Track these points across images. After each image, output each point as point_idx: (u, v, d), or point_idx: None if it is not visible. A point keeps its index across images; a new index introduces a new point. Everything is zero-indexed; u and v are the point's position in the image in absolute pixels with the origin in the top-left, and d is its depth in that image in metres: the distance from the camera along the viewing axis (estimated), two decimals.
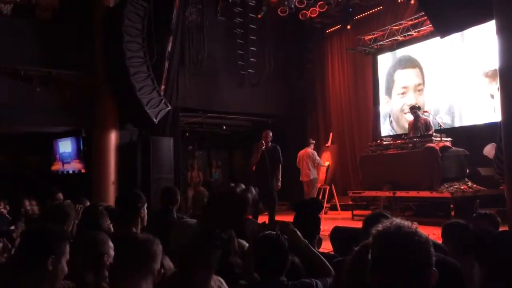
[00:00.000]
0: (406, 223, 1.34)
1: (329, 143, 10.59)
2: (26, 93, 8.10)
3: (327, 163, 10.04)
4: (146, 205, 2.85)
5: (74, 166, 9.95)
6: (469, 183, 7.55)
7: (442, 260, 1.78)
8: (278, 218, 7.20)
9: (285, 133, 11.99)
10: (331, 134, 10.92)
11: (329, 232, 3.74)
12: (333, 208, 10.19)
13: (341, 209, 9.88)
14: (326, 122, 12.24)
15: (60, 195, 5.55)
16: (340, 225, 4.49)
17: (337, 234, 3.52)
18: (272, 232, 2.35)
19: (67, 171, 10.21)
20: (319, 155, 9.93)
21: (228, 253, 2.40)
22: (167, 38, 9.02)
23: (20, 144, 10.44)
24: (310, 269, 2.32)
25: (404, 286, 1.27)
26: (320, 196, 9.73)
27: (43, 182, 9.05)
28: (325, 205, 9.69)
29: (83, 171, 9.65)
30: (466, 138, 8.37)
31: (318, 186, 9.67)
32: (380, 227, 1.35)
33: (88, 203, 4.92)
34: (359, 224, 3.00)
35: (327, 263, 2.33)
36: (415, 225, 1.34)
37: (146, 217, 2.86)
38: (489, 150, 7.16)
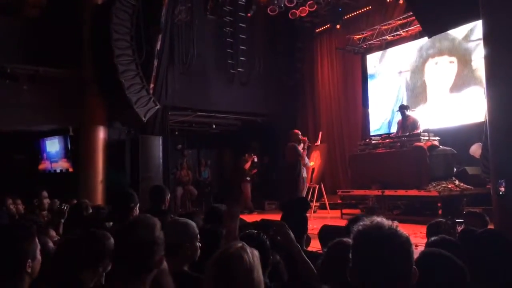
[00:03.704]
0: (387, 222, 1.32)
1: (318, 142, 10.60)
2: (12, 91, 7.99)
3: (311, 163, 10.04)
4: (138, 204, 2.84)
5: (62, 165, 9.86)
6: (456, 182, 7.60)
7: (449, 260, 1.78)
8: (268, 217, 7.19)
9: (274, 132, 12.01)
10: (320, 133, 10.93)
11: (318, 231, 3.75)
12: (322, 207, 10.21)
13: (330, 208, 9.90)
14: (315, 121, 12.27)
15: (45, 193, 5.53)
16: (329, 224, 4.50)
17: (326, 233, 3.53)
18: (253, 231, 2.33)
19: (55, 170, 10.11)
20: (308, 154, 9.93)
21: None
22: (156, 37, 8.98)
23: (7, 143, 10.29)
24: (293, 269, 2.31)
25: (385, 285, 1.27)
26: (309, 195, 9.74)
27: (30, 182, 8.94)
28: (314, 204, 9.71)
29: (70, 170, 9.56)
30: (453, 137, 8.43)
31: (307, 185, 9.68)
32: (360, 226, 1.33)
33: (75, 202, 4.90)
34: None
35: (314, 270, 2.32)
36: (395, 224, 1.33)
37: None
38: (475, 149, 7.22)
